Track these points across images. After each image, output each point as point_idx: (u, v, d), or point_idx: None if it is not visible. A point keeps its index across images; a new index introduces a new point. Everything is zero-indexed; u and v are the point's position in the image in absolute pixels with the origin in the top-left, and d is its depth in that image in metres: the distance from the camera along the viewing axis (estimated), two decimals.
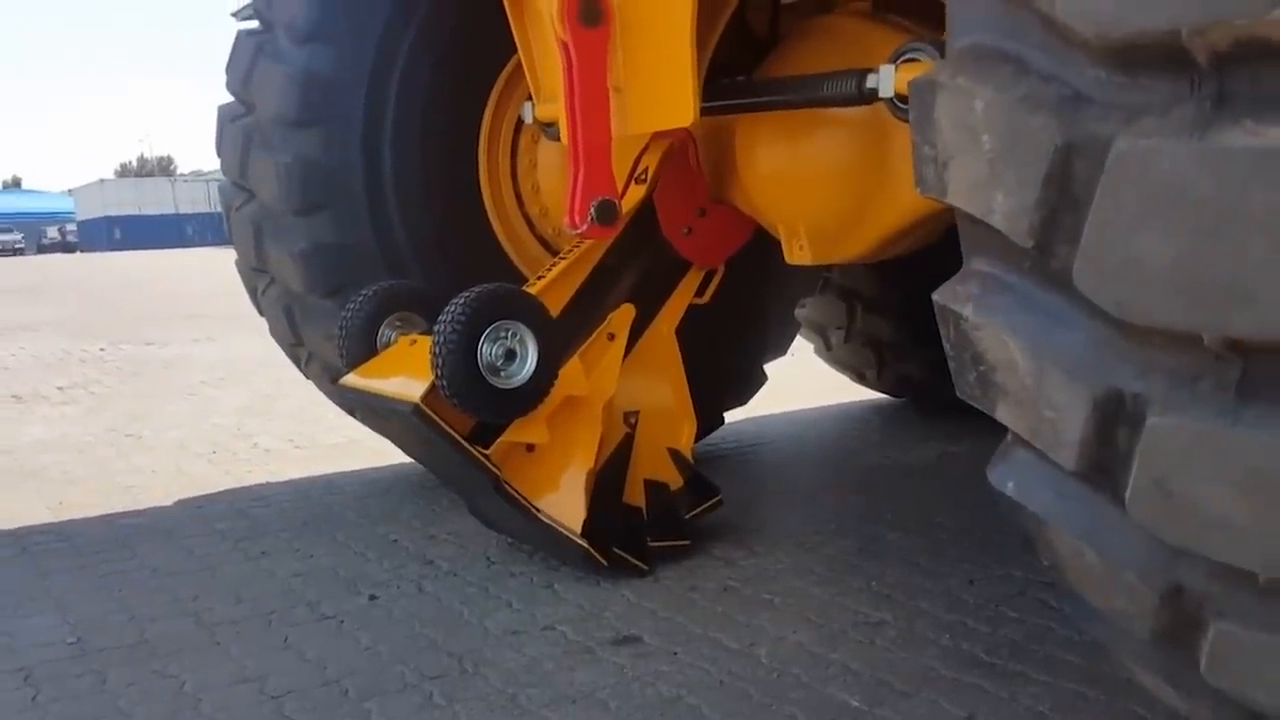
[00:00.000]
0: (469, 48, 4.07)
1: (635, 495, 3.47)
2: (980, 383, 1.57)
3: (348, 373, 3.44)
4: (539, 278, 3.42)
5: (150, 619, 3.09)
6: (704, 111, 3.36)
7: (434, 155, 4.09)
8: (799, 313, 5.71)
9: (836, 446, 5.29)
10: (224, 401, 6.89)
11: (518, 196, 4.35)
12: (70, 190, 76.95)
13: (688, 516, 3.53)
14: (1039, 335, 1.45)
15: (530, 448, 3.24)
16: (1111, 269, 1.31)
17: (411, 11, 3.97)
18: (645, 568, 3.30)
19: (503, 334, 3.02)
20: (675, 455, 3.60)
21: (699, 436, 4.26)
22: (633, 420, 3.53)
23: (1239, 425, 1.22)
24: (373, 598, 3.19)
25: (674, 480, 3.57)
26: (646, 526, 3.42)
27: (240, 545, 3.77)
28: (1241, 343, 1.21)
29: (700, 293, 3.84)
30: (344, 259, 3.99)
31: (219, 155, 4.38)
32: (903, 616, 2.90)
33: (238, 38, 4.27)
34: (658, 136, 3.60)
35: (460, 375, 2.94)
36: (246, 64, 4.11)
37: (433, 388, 2.99)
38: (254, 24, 4.27)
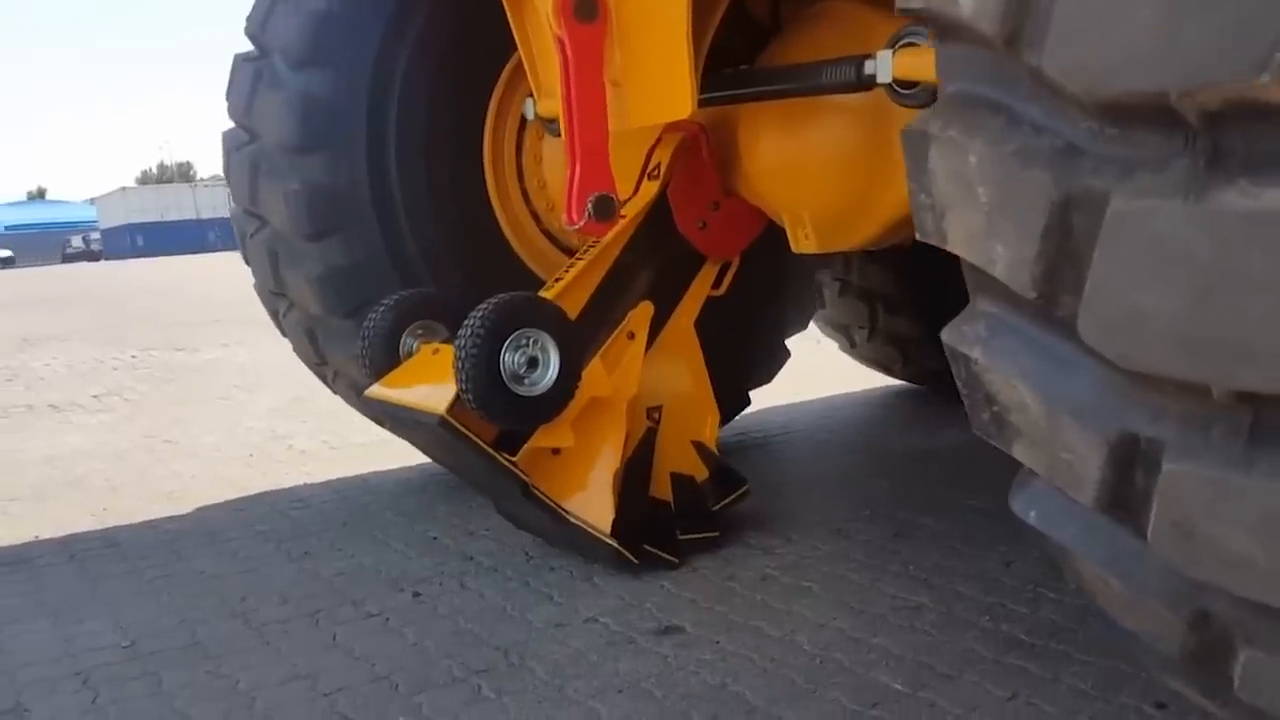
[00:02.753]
0: (468, 52, 4.10)
1: (662, 489, 3.50)
2: (994, 422, 1.58)
3: (372, 383, 3.49)
4: (557, 279, 3.44)
5: (200, 621, 3.15)
6: (704, 102, 3.35)
7: (439, 164, 4.12)
8: (822, 314, 5.75)
9: (863, 433, 5.31)
10: (256, 405, 6.97)
11: (524, 193, 4.39)
12: (93, 199, 77.67)
13: (715, 508, 3.56)
14: (1048, 380, 1.44)
15: (556, 451, 3.26)
16: (1115, 322, 1.30)
17: (407, 25, 3.99)
18: (676, 561, 3.33)
19: (524, 342, 3.05)
20: (700, 447, 3.63)
21: (727, 418, 4.30)
22: (656, 415, 3.55)
23: (1253, 473, 1.22)
24: (416, 594, 3.24)
25: (700, 472, 3.59)
26: (675, 520, 3.44)
27: (283, 546, 3.83)
28: (1250, 395, 1.21)
29: (716, 284, 3.87)
30: (359, 279, 4.04)
31: (228, 183, 4.44)
32: (941, 600, 2.92)
33: (235, 63, 4.31)
34: (669, 130, 3.62)
35: (484, 385, 2.97)
36: (247, 91, 4.14)
37: (457, 398, 3.02)
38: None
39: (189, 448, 5.77)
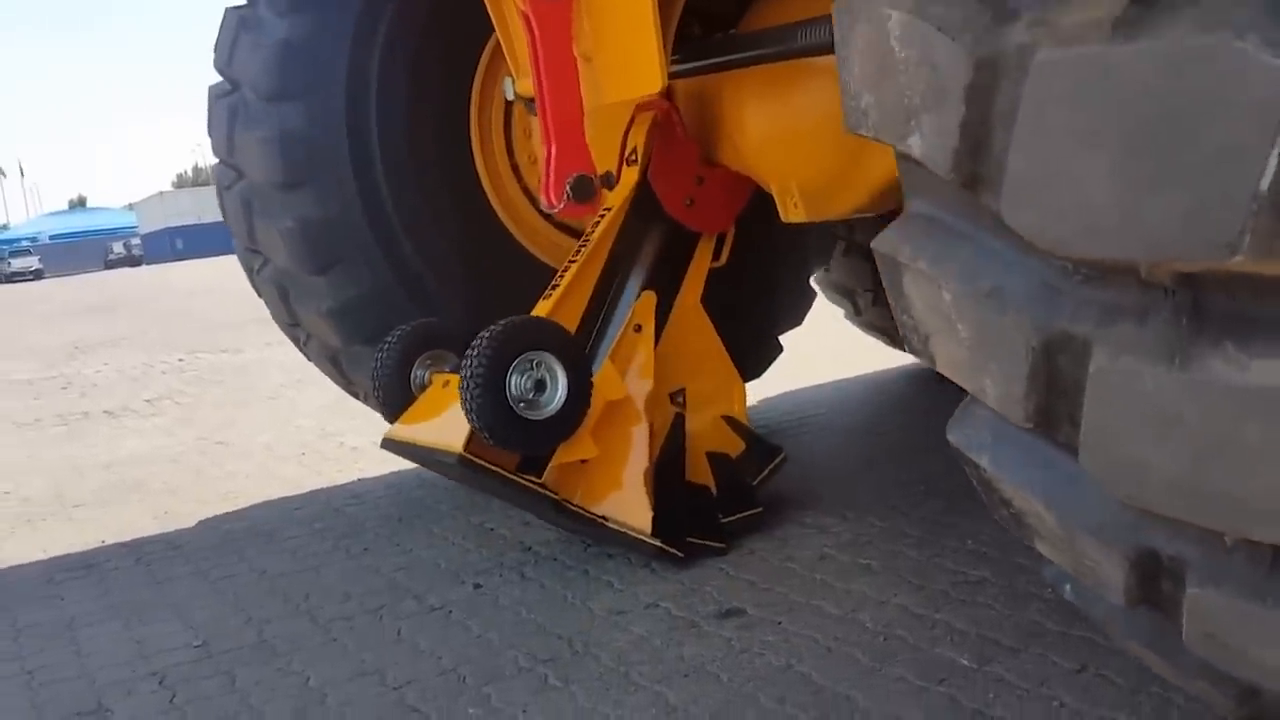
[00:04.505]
0: (452, 18, 4.05)
1: (699, 471, 3.49)
2: (1013, 520, 1.53)
3: (387, 419, 3.51)
4: (553, 286, 3.41)
5: (266, 620, 3.21)
6: (685, 73, 3.28)
7: (422, 127, 4.07)
8: (825, 277, 5.59)
9: (898, 411, 5.29)
10: (305, 404, 7.05)
11: (514, 168, 4.33)
12: (131, 205, 78.68)
13: (755, 482, 3.54)
14: (1061, 496, 1.39)
15: (583, 461, 3.25)
16: (1117, 467, 1.24)
17: (378, 21, 3.96)
18: (723, 546, 3.32)
19: (529, 366, 3.03)
20: (731, 422, 3.61)
21: None
22: (680, 398, 3.54)
23: (1272, 603, 1.17)
24: (477, 586, 3.28)
25: (734, 447, 3.57)
26: (717, 503, 3.44)
27: (341, 543, 3.88)
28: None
29: (716, 256, 3.80)
30: (331, 234, 4.00)
31: (209, 134, 4.35)
32: (1002, 574, 2.91)
33: (225, 14, 4.24)
34: (640, 110, 3.56)
35: (493, 415, 2.95)
36: (230, 39, 4.11)
37: (473, 433, 3.02)
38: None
39: (242, 448, 5.85)
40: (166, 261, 52.50)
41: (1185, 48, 1.03)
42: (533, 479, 3.14)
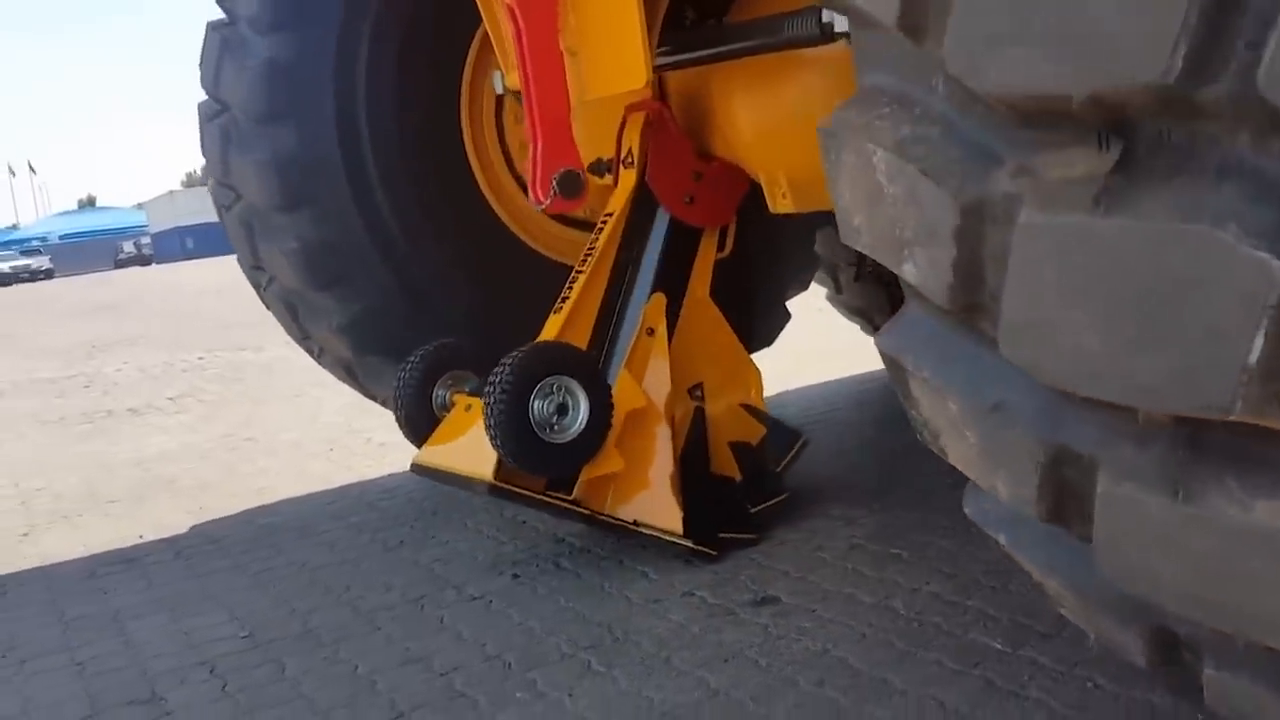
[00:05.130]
0: (436, 17, 4.03)
1: (724, 463, 3.55)
2: (1037, 586, 1.64)
3: (410, 440, 3.61)
4: (562, 299, 3.45)
5: (309, 611, 3.29)
6: (675, 65, 3.24)
7: (413, 133, 4.05)
8: (838, 298, 5.58)
9: None
10: (329, 400, 7.12)
11: (506, 157, 4.30)
12: (140, 204, 78.94)
13: (779, 469, 3.59)
14: (1077, 577, 1.44)
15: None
16: (1129, 574, 1.29)
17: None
18: (755, 537, 3.39)
19: (551, 390, 3.09)
20: (750, 410, 3.65)
21: None
22: (698, 392, 3.58)
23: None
24: (515, 576, 3.35)
25: (755, 435, 3.61)
26: (743, 493, 3.50)
27: (378, 537, 3.96)
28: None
29: (720, 246, 3.81)
30: (334, 251, 4.02)
31: (203, 155, 4.36)
32: None
33: (206, 31, 4.22)
34: (631, 110, 3.57)
35: (516, 441, 3.03)
36: (215, 59, 4.09)
37: (501, 460, 3.10)
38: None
39: (269, 445, 5.94)
40: (176, 261, 52.66)
41: (1166, 230, 1.06)
42: (562, 496, 3.21)
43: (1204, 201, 1.05)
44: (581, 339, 3.44)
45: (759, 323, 4.49)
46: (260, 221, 4.12)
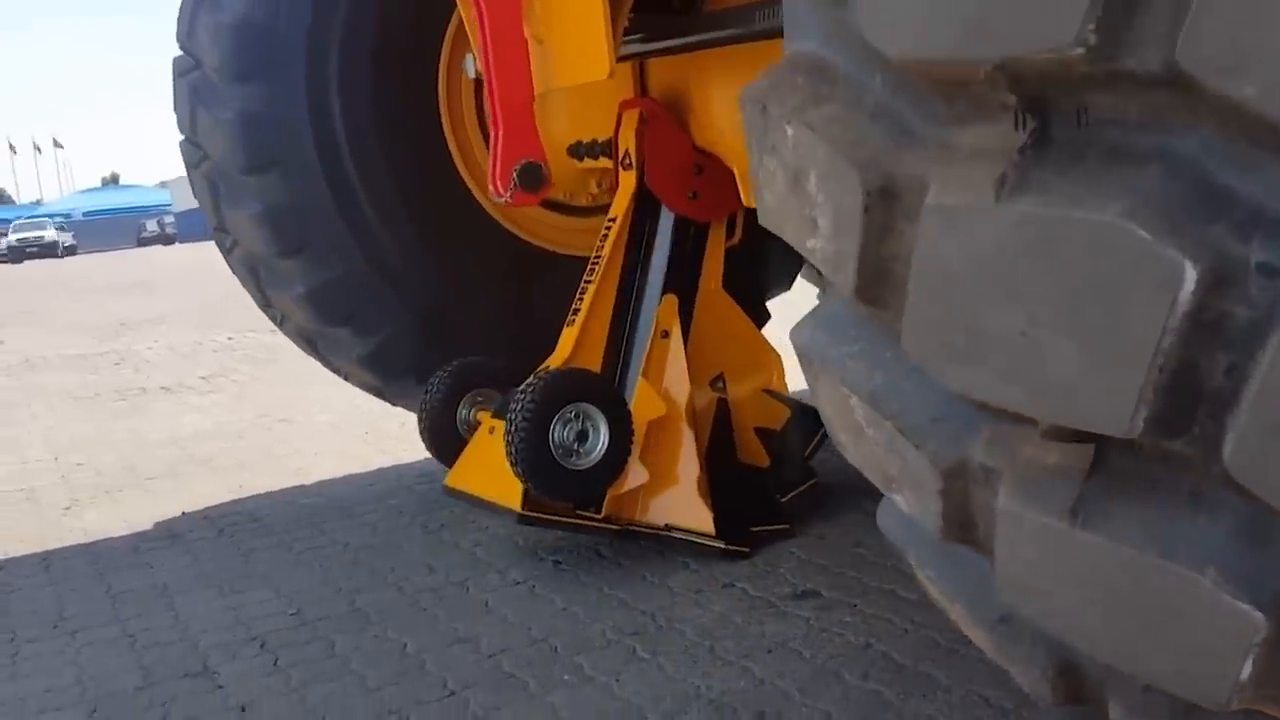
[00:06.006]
0: None
1: (751, 450, 3.57)
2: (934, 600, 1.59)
3: (436, 456, 3.72)
4: (574, 312, 3.46)
5: (356, 590, 3.35)
6: (649, 54, 3.16)
7: (389, 104, 3.97)
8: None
9: None
10: None
11: (484, 134, 4.16)
12: (164, 182, 79.30)
13: (808, 453, 3.60)
14: (972, 594, 1.41)
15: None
16: (1027, 599, 1.25)
17: None
18: (788, 527, 3.44)
19: (571, 416, 3.12)
20: (773, 394, 3.67)
21: None
22: (719, 383, 3.59)
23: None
24: (557, 563, 3.40)
25: (779, 418, 3.62)
26: (773, 482, 3.53)
27: (418, 520, 4.02)
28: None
29: (730, 233, 3.76)
30: (299, 218, 3.93)
31: (174, 111, 4.24)
32: None
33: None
34: (625, 108, 3.53)
35: (538, 469, 3.08)
36: (190, 12, 4.02)
37: (528, 490, 3.15)
38: None
39: (305, 427, 6.01)
40: (199, 240, 52.94)
41: (1070, 219, 0.98)
42: (591, 515, 3.25)
43: (1114, 187, 0.96)
44: (596, 351, 3.47)
45: None
46: (226, 182, 4.03)
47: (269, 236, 3.96)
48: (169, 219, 62.21)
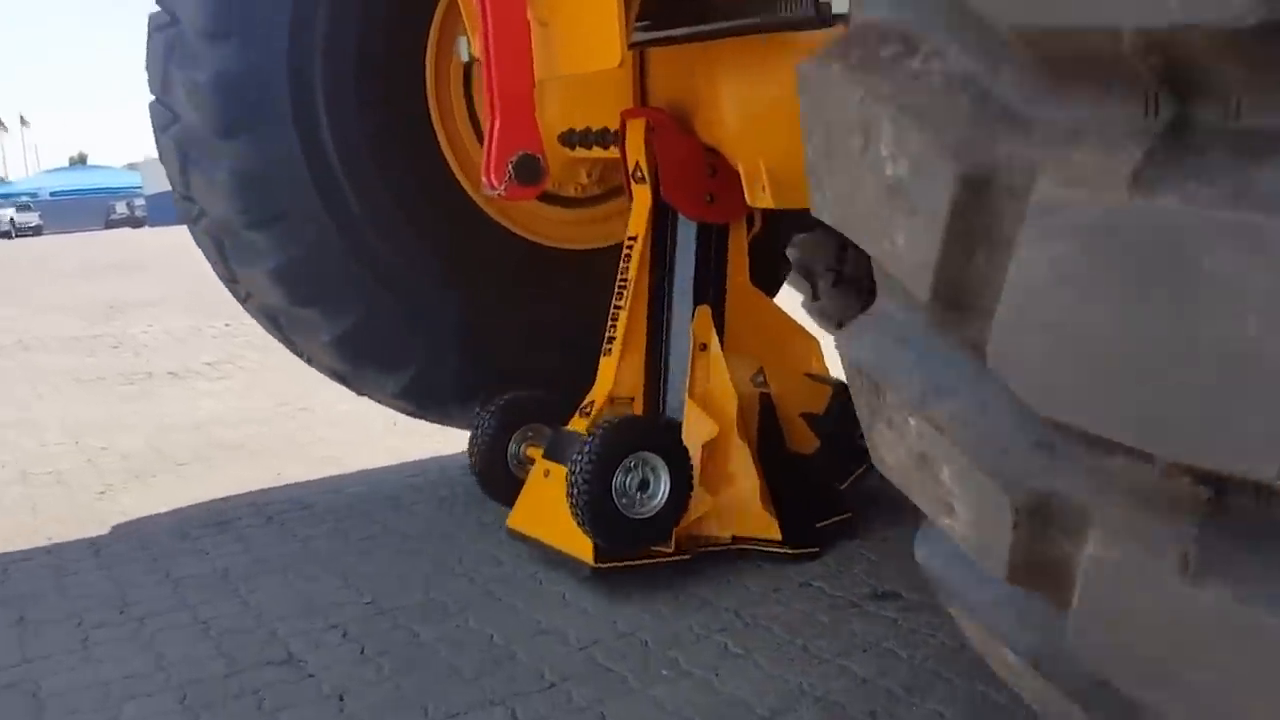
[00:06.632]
0: None
1: (800, 438, 3.58)
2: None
3: (485, 491, 3.72)
4: (609, 340, 3.42)
5: (425, 580, 3.35)
6: (656, 41, 3.05)
7: (369, 64, 3.79)
8: (789, 252, 5.26)
9: None
10: None
11: (474, 123, 4.05)
12: (133, 164, 78.27)
13: (843, 486, 3.61)
14: (1039, 649, 1.24)
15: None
16: (1106, 658, 1.10)
17: None
18: (849, 515, 3.50)
19: (632, 467, 3.10)
20: (815, 377, 3.67)
21: None
22: (760, 378, 3.57)
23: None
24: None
25: (823, 400, 3.63)
26: (830, 471, 3.56)
27: (471, 513, 4.01)
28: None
29: (750, 225, 3.69)
30: (271, 187, 3.75)
31: (146, 69, 4.02)
32: None
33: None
34: (630, 118, 3.46)
35: (604, 525, 3.06)
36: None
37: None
38: None
39: (329, 416, 5.97)
40: (170, 224, 52.27)
41: (1220, 223, 0.84)
42: (661, 550, 3.22)
43: (1271, 190, 0.82)
44: (636, 377, 3.48)
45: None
46: (196, 147, 3.83)
47: (238, 205, 3.76)
48: (139, 201, 61.31)
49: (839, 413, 3.61)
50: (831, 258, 5.24)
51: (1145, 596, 0.98)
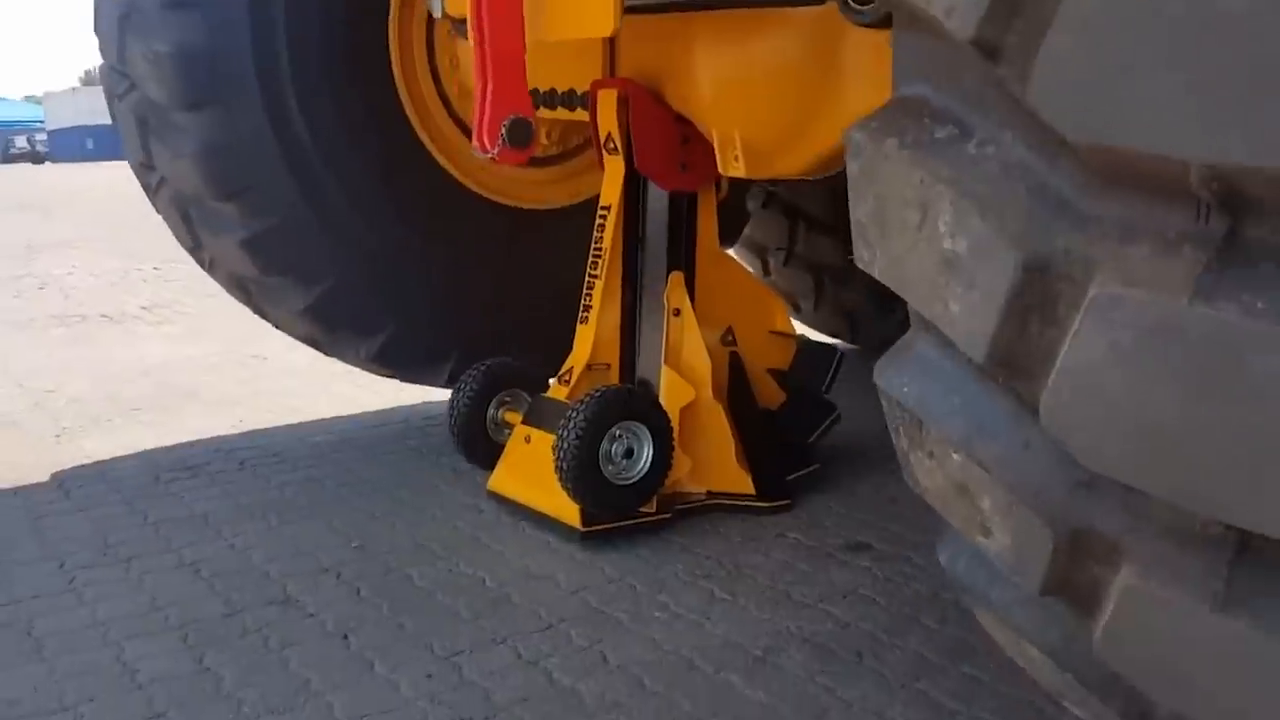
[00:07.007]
0: None
1: (767, 393, 3.74)
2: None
3: (464, 455, 3.77)
4: (586, 309, 3.54)
5: (410, 526, 3.43)
6: (639, 9, 3.09)
7: (334, 34, 3.79)
8: (765, 280, 5.50)
9: None
10: None
11: (433, 72, 4.05)
12: (32, 97, 75.16)
13: (825, 387, 3.75)
14: (1065, 656, 1.36)
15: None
16: (1137, 675, 1.22)
17: None
18: (817, 466, 3.68)
19: (617, 435, 3.21)
20: (780, 335, 3.82)
21: None
22: (729, 337, 3.72)
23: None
24: None
25: (788, 356, 3.78)
26: (798, 426, 3.72)
27: (443, 461, 4.08)
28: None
29: (718, 191, 3.76)
30: (239, 159, 3.74)
31: (96, 32, 3.95)
32: None
33: None
34: (600, 89, 3.49)
35: (591, 491, 3.17)
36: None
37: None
38: None
39: (283, 364, 5.94)
40: (75, 161, 50.50)
41: (1271, 333, 0.94)
42: (646, 513, 3.32)
43: None
44: (613, 345, 3.59)
45: None
46: (157, 117, 3.79)
47: (206, 177, 3.74)
48: (41, 136, 59.07)
49: (803, 367, 3.77)
50: (783, 237, 5.38)
51: (1175, 623, 1.09)
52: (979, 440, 1.25)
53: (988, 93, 1.15)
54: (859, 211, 1.33)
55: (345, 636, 2.70)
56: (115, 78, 3.92)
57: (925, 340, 1.35)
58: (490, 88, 2.95)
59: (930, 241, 1.20)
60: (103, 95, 4.21)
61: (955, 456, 1.29)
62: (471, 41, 2.93)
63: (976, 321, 1.17)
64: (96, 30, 3.94)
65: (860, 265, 1.37)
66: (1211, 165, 0.93)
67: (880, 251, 1.31)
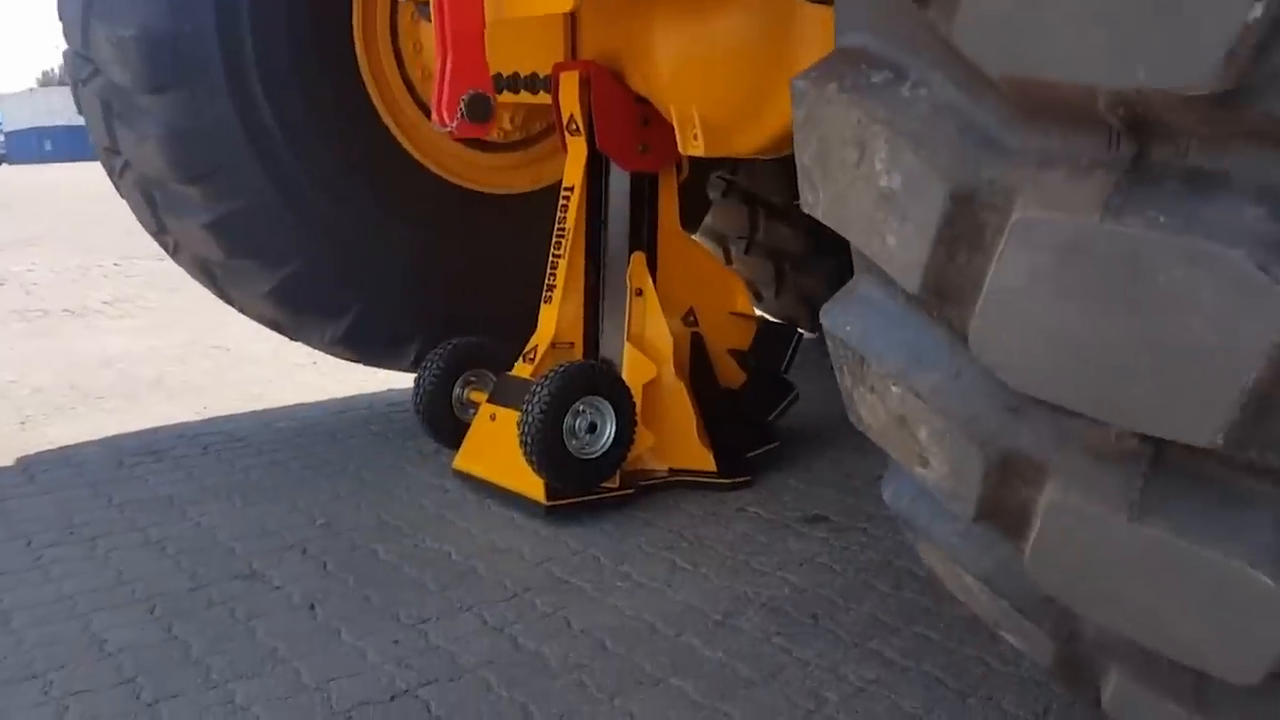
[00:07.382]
0: None
1: (728, 373, 3.81)
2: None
3: (429, 434, 3.81)
4: (550, 289, 3.60)
5: (375, 505, 3.47)
6: None
7: (298, 20, 3.83)
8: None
9: None
10: None
11: (397, 56, 4.10)
12: None
13: (784, 367, 3.85)
14: (998, 578, 1.45)
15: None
16: (1062, 587, 1.30)
17: None
18: (777, 444, 3.76)
19: (581, 410, 3.26)
20: (740, 317, 3.90)
21: None
22: (691, 318, 3.78)
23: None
24: None
25: (748, 337, 3.87)
26: (758, 405, 3.79)
27: (408, 445, 4.13)
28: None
29: (679, 172, 3.81)
30: (203, 142, 3.76)
31: (59, 15, 3.97)
32: None
33: None
34: (562, 71, 3.53)
35: (555, 466, 3.21)
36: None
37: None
38: None
39: (247, 354, 5.96)
40: (32, 163, 49.83)
41: (1174, 245, 1.00)
42: (610, 488, 3.38)
43: (1221, 220, 0.98)
44: (576, 324, 3.64)
45: None
46: (121, 101, 3.80)
47: (170, 160, 3.76)
48: None
49: (763, 348, 3.85)
50: (744, 226, 5.46)
51: (1096, 535, 1.18)
52: (916, 372, 1.33)
53: (920, 36, 1.22)
54: (804, 156, 1.39)
55: (312, 607, 2.74)
56: (79, 62, 3.93)
57: (867, 281, 1.42)
58: (450, 62, 3.00)
59: (868, 179, 1.27)
60: (62, 95, 4.23)
61: (894, 389, 1.36)
62: (432, 19, 2.96)
63: (911, 253, 1.24)
64: (61, 15, 3.95)
65: (805, 209, 1.44)
66: (1117, 91, 0.99)
67: (823, 192, 1.37)
